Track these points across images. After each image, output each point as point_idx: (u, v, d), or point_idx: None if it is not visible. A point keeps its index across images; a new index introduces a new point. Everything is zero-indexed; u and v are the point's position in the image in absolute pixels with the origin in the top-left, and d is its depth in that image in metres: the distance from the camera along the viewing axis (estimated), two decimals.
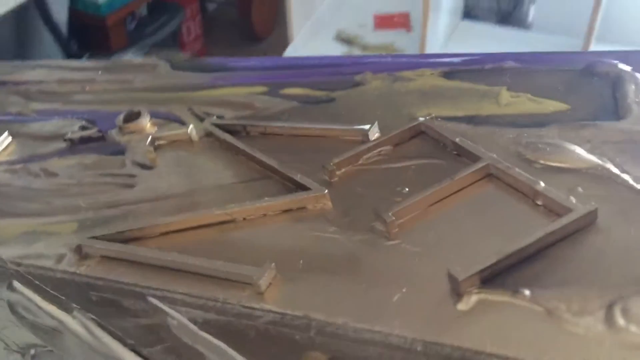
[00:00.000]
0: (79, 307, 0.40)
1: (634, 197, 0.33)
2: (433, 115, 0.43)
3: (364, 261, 0.33)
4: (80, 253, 0.39)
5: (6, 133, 0.55)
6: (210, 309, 0.34)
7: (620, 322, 0.26)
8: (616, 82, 0.42)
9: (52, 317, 0.42)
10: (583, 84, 0.43)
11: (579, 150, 0.36)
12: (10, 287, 0.42)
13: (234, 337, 0.34)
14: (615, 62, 0.43)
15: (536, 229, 0.31)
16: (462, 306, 0.29)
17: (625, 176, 0.34)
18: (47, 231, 0.42)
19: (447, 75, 0.48)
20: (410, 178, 0.38)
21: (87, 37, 1.69)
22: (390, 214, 0.34)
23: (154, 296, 0.35)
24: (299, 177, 0.39)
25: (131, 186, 0.45)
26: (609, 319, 0.26)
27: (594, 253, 0.30)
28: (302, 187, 0.39)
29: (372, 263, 0.33)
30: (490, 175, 0.37)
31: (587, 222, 0.31)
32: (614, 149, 0.36)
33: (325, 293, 0.32)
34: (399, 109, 0.45)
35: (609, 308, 0.27)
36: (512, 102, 0.43)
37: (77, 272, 0.38)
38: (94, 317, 0.40)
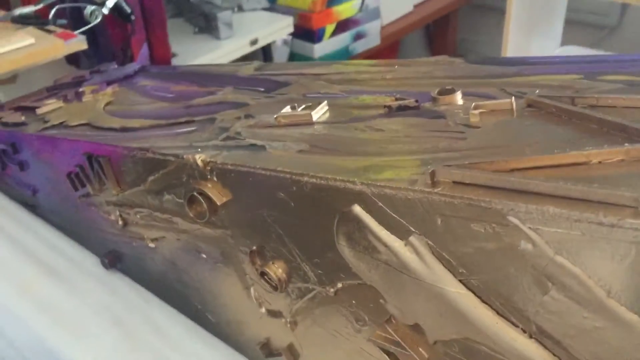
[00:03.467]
0: (417, 232, 0.43)
1: None
2: None
3: None
4: (433, 178, 0.42)
5: (325, 102, 0.62)
6: (578, 228, 0.35)
7: None
8: None
9: (385, 244, 0.45)
10: None
11: None
12: (347, 216, 0.46)
13: (593, 261, 0.35)
14: None
15: None
16: None
17: None
18: (390, 165, 0.46)
19: None
20: None
21: None
22: None
23: (516, 215, 0.37)
24: None
25: (462, 139, 0.48)
26: None
27: None
28: None
29: None
30: None
31: None
32: None
33: None
34: None
35: None
36: None
37: (434, 191, 0.40)
38: (430, 243, 0.42)
